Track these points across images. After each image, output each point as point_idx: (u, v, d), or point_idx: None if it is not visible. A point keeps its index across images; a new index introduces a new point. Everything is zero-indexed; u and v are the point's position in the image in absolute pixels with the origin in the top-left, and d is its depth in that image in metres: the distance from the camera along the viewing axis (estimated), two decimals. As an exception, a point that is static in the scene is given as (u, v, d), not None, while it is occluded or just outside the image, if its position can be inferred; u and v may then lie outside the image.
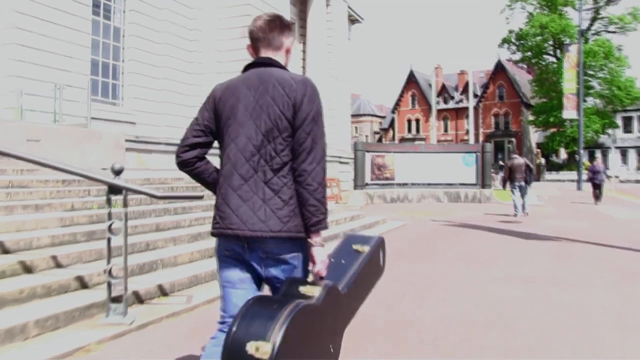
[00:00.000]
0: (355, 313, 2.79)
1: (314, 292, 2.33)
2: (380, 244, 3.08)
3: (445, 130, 74.00)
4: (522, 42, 59.27)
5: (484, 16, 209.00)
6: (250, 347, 2.01)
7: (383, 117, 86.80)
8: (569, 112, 35.58)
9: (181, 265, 6.50)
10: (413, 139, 69.90)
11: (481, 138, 63.59)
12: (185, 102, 18.80)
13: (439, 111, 73.85)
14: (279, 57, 2.56)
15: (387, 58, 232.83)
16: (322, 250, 2.46)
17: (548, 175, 57.25)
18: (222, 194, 2.45)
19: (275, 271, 2.45)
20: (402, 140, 70.88)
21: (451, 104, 74.00)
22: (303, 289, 2.34)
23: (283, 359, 2.00)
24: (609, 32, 56.32)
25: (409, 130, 76.71)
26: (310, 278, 2.47)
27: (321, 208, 2.40)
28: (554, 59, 58.52)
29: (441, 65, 76.53)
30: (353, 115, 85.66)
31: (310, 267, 2.49)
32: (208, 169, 2.55)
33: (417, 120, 75.92)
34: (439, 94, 74.72)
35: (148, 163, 13.98)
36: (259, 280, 2.52)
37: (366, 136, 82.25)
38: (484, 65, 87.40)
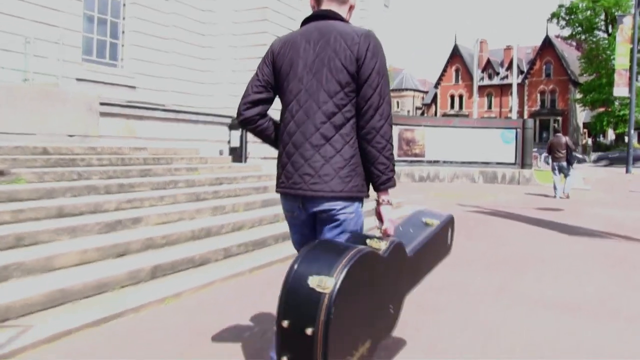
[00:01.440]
0: (419, 281, 2.74)
1: (380, 245, 2.31)
2: (449, 222, 3.06)
3: (490, 107, 71.39)
4: (572, 16, 55.94)
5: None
6: (312, 281, 1.99)
7: (426, 92, 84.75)
8: (620, 89, 32.72)
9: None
10: (455, 115, 67.37)
11: (526, 116, 60.61)
12: (196, 65, 17.25)
13: (483, 87, 71.22)
14: (342, 10, 2.51)
15: (432, 32, 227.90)
16: (391, 208, 2.44)
17: (594, 156, 54.29)
18: (285, 152, 2.41)
19: (330, 231, 2.41)
20: (444, 116, 68.40)
21: (496, 80, 71.12)
22: (370, 242, 2.31)
23: (344, 296, 1.96)
24: (668, 5, 52.57)
25: (452, 106, 74.29)
26: (377, 235, 2.40)
27: (390, 165, 2.38)
28: (605, 35, 55.10)
29: (487, 40, 73.70)
30: (394, 90, 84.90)
31: (377, 225, 2.46)
32: (270, 126, 2.53)
33: (461, 97, 73.38)
34: (483, 70, 71.97)
35: (137, 131, 12.46)
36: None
37: (408, 111, 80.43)
38: (531, 41, 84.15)
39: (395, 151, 18.04)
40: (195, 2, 17.01)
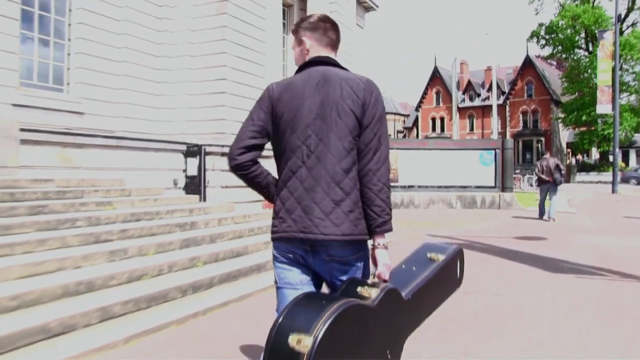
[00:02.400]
0: (421, 322, 2.62)
1: (371, 293, 2.27)
2: (458, 254, 2.93)
3: (472, 129, 70.93)
4: (552, 35, 55.82)
5: (513, 9, 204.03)
6: (292, 340, 1.95)
7: (407, 116, 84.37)
8: (603, 107, 32.00)
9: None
10: (437, 138, 66.78)
11: (508, 137, 59.99)
12: (151, 89, 16.11)
13: (465, 109, 70.80)
14: (335, 57, 2.58)
15: (412, 55, 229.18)
16: (386, 252, 2.43)
17: (579, 177, 53.65)
18: (294, 196, 2.40)
19: (340, 274, 2.42)
20: (426, 139, 67.81)
21: (477, 102, 70.78)
22: (360, 289, 2.28)
23: (324, 355, 1.91)
24: (646, 23, 52.59)
25: (433, 129, 73.79)
26: (371, 280, 2.41)
27: (386, 209, 2.40)
28: (586, 53, 54.91)
29: (467, 61, 73.58)
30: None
31: (372, 270, 2.45)
32: (263, 172, 2.52)
33: (442, 119, 72.90)
34: (464, 91, 71.66)
35: (76, 160, 11.26)
36: (318, 283, 2.51)
37: (389, 135, 79.56)
38: (512, 61, 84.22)
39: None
40: (150, 23, 15.95)
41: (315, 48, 2.54)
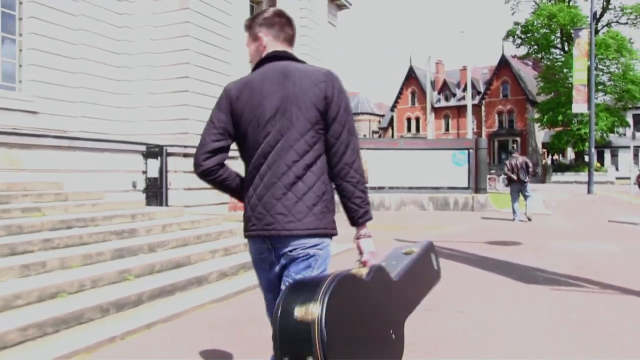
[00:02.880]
0: (413, 308, 2.70)
1: (361, 271, 2.33)
2: (430, 247, 3.04)
3: (447, 129, 70.95)
4: (528, 34, 55.87)
5: (489, 8, 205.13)
6: (299, 312, 2.01)
7: (382, 116, 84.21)
8: (579, 106, 31.91)
9: None
10: (408, 138, 66.63)
11: (484, 137, 59.98)
12: (110, 88, 15.44)
13: (440, 109, 70.78)
14: (291, 50, 2.56)
15: (387, 55, 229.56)
16: (371, 240, 2.45)
17: (555, 177, 53.71)
18: (257, 194, 2.38)
19: (293, 270, 2.36)
20: (397, 138, 67.71)
21: (453, 102, 70.84)
22: (352, 271, 2.30)
23: (333, 319, 1.96)
24: (621, 23, 53.00)
25: (409, 129, 73.69)
26: (357, 266, 2.42)
27: (366, 199, 2.45)
28: (561, 53, 55.06)
29: (443, 61, 73.62)
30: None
31: (358, 258, 2.45)
32: (231, 174, 2.48)
33: (417, 119, 72.85)
34: (440, 91, 71.68)
35: (23, 162, 10.58)
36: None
37: (364, 135, 79.36)
38: (487, 61, 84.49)
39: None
40: (108, 18, 15.25)
41: (272, 44, 2.51)
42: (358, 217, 2.41)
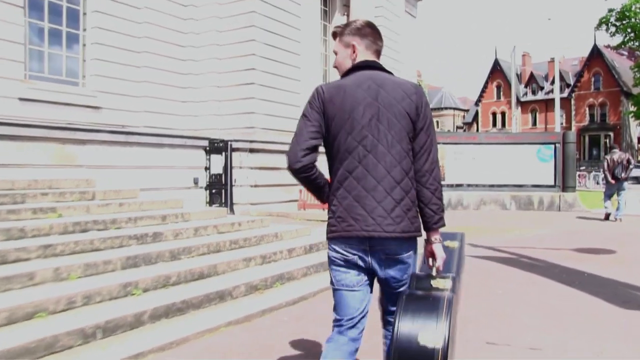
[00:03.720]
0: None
1: (445, 285, 2.46)
2: (464, 238, 3.01)
3: (534, 124, 67.86)
4: (623, 21, 52.01)
5: None
6: (422, 338, 2.13)
7: (466, 111, 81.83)
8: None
9: None
10: (493, 133, 64.17)
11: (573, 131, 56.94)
12: (175, 81, 15.11)
13: (527, 103, 67.94)
14: (379, 61, 2.65)
15: (472, 47, 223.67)
16: (441, 246, 2.55)
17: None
18: (352, 195, 2.45)
19: (393, 271, 2.51)
20: (476, 132, 65.36)
21: (540, 95, 67.69)
22: (434, 283, 2.48)
23: (450, 344, 2.14)
24: None
25: (494, 124, 71.10)
26: (434, 273, 2.53)
27: (441, 206, 2.54)
28: (661, 41, 51.14)
29: (530, 53, 70.53)
30: (434, 109, 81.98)
31: (430, 263, 2.56)
32: (320, 174, 2.54)
33: (503, 114, 70.11)
34: (527, 84, 68.76)
35: (77, 158, 10.29)
36: (371, 281, 2.59)
37: (448, 131, 77.34)
38: (578, 52, 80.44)
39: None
40: (173, 10, 14.89)
41: (364, 53, 2.60)
42: (433, 222, 2.51)
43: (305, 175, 2.46)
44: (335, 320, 2.56)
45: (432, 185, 2.47)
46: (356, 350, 2.55)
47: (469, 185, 16.45)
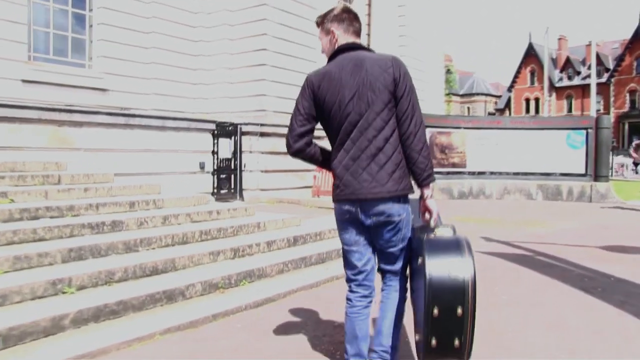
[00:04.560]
0: None
1: (447, 233, 2.69)
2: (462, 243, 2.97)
3: (570, 110, 65.77)
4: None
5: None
6: (451, 271, 2.42)
7: (499, 97, 79.91)
8: None
9: None
10: (520, 118, 62.43)
11: (612, 119, 54.87)
12: (185, 63, 14.65)
13: (562, 89, 65.98)
14: (359, 41, 2.94)
15: (505, 31, 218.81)
16: (434, 201, 2.79)
17: None
18: (343, 165, 2.79)
19: (383, 231, 2.81)
20: (500, 116, 63.65)
21: (576, 81, 65.56)
22: (438, 232, 2.69)
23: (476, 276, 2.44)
24: None
25: (527, 110, 69.27)
26: (432, 225, 2.75)
27: (429, 164, 2.77)
28: None
29: (566, 37, 68.22)
30: (464, 95, 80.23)
31: (427, 217, 2.79)
32: (317, 150, 2.94)
33: (537, 100, 68.13)
34: (562, 69, 66.76)
35: (75, 141, 9.84)
36: (371, 242, 2.92)
37: (470, 115, 75.82)
38: (619, 35, 77.69)
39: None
40: (183, -10, 14.38)
41: (343, 36, 2.90)
42: (422, 179, 2.75)
43: (301, 155, 2.90)
44: (347, 276, 2.96)
45: (417, 146, 2.71)
46: (370, 302, 2.92)
47: (491, 173, 15.58)
